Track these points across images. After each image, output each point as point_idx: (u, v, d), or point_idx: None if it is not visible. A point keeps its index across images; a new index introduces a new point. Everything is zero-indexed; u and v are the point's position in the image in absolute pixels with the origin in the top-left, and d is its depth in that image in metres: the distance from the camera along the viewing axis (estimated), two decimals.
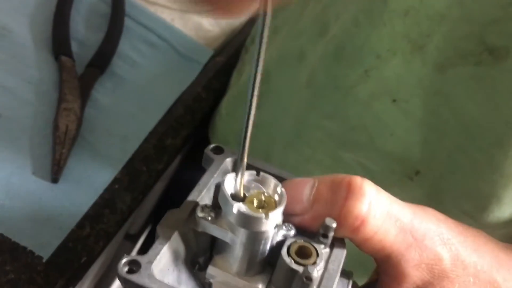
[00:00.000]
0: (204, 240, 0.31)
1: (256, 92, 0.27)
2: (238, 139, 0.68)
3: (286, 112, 0.52)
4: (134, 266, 0.28)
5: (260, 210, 0.28)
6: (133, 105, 0.56)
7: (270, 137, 0.55)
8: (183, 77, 0.62)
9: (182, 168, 0.71)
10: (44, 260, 0.43)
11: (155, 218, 0.77)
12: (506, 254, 0.33)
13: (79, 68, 0.55)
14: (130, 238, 0.75)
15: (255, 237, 0.29)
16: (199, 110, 0.62)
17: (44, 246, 0.44)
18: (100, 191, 0.49)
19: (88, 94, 0.54)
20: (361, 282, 0.35)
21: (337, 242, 0.30)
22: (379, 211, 0.29)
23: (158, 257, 0.28)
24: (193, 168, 0.75)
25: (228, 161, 0.34)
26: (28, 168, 0.47)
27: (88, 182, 0.49)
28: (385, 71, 0.42)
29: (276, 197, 0.29)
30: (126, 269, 0.28)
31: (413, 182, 0.45)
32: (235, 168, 0.29)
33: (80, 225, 0.46)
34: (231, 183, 0.29)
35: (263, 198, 0.29)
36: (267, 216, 0.28)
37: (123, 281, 0.27)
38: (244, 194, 0.29)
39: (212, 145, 0.35)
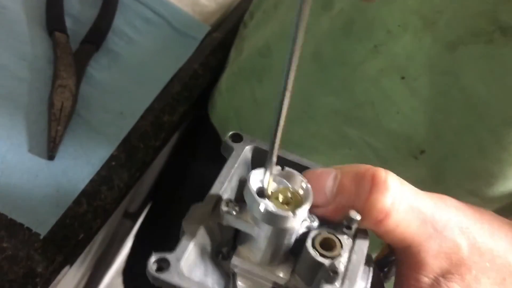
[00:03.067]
0: (228, 232, 0.31)
1: (290, 86, 0.27)
2: (238, 116, 0.67)
3: None
4: (163, 264, 0.28)
5: (286, 206, 0.29)
6: (129, 81, 0.56)
7: (272, 112, 0.55)
8: (179, 54, 0.61)
9: (181, 146, 0.70)
10: (41, 237, 0.43)
11: (154, 196, 0.77)
12: None
13: (73, 45, 0.54)
14: (130, 217, 0.75)
15: (280, 233, 0.29)
16: (196, 86, 0.61)
17: (41, 223, 0.43)
18: (97, 168, 0.48)
19: (83, 71, 0.53)
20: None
21: (360, 232, 0.30)
22: (403, 205, 0.29)
23: (186, 254, 0.28)
24: (192, 146, 0.75)
25: (248, 150, 0.34)
26: (24, 146, 0.47)
27: (84, 159, 0.48)
28: (395, 47, 0.42)
29: (301, 192, 0.29)
30: (155, 267, 0.28)
31: (417, 161, 0.45)
32: (265, 165, 0.29)
33: (77, 202, 0.46)
34: (256, 180, 0.29)
35: (289, 194, 0.29)
36: (294, 214, 0.28)
37: (153, 279, 0.27)
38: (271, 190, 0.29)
39: (231, 133, 0.34)
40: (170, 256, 0.28)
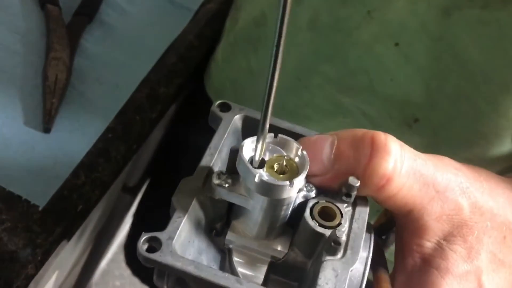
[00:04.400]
0: (221, 207, 0.29)
1: (281, 50, 0.26)
2: (234, 86, 0.66)
3: (285, 54, 0.51)
4: (154, 244, 0.26)
5: (281, 175, 0.27)
6: (123, 53, 0.55)
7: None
8: (173, 25, 0.60)
9: (178, 118, 0.70)
10: (40, 209, 0.43)
11: (153, 170, 0.77)
12: None
13: (66, 17, 0.54)
14: (129, 191, 0.75)
15: (277, 204, 0.28)
16: (191, 58, 0.60)
17: (40, 195, 0.44)
18: (93, 140, 0.48)
19: (76, 43, 0.53)
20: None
21: (360, 199, 0.29)
22: (404, 168, 0.28)
23: (178, 231, 0.27)
24: (190, 118, 0.75)
25: (237, 119, 0.32)
26: (19, 119, 0.47)
27: (80, 131, 0.48)
28: (389, 13, 0.41)
29: (297, 160, 0.28)
30: (146, 247, 0.26)
31: (411, 130, 0.44)
32: (257, 134, 0.27)
33: (75, 174, 0.46)
34: (249, 149, 0.27)
35: (284, 163, 0.28)
36: (291, 183, 0.26)
37: (144, 260, 0.26)
38: (263, 159, 0.28)
39: (218, 102, 0.33)
40: (161, 235, 0.26)
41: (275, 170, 0.27)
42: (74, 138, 0.48)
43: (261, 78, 0.55)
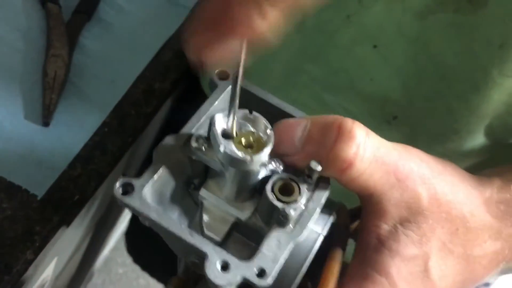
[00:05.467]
0: (198, 166, 0.32)
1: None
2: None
3: (275, 55, 0.53)
4: (128, 188, 0.29)
5: (249, 149, 0.30)
6: (121, 50, 0.58)
7: (260, 79, 0.57)
8: (170, 22, 0.62)
9: (175, 112, 0.73)
10: (38, 198, 0.46)
11: (151, 161, 0.79)
12: (477, 190, 0.35)
13: (66, 15, 0.56)
14: None
15: (242, 174, 0.30)
16: None
17: (38, 185, 0.46)
18: (90, 134, 0.51)
19: (75, 40, 0.55)
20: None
21: (322, 181, 0.32)
22: (367, 155, 0.31)
23: (151, 181, 0.29)
24: (186, 111, 0.77)
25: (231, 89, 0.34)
26: (20, 113, 0.49)
27: (78, 125, 0.51)
28: (366, 17, 0.43)
29: (265, 137, 0.30)
30: (120, 190, 0.29)
31: (391, 126, 0.47)
32: (228, 107, 0.29)
33: (72, 165, 0.49)
34: (222, 120, 0.30)
35: (251, 139, 0.30)
36: (251, 159, 0.29)
37: (117, 200, 0.29)
38: (236, 133, 0.30)
39: (218, 69, 0.35)
40: (135, 181, 0.29)
41: (243, 143, 0.30)
42: (72, 132, 0.50)
43: (255, 74, 0.57)
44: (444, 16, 0.40)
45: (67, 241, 0.59)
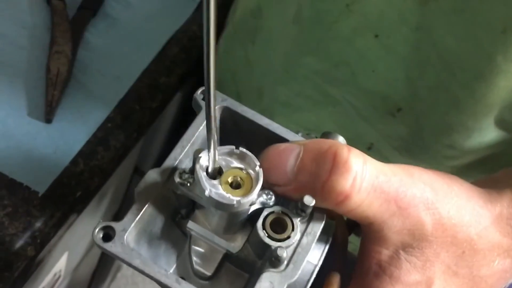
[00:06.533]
0: (184, 199, 0.30)
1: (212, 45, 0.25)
2: (234, 78, 0.68)
3: (276, 48, 0.52)
4: (110, 231, 0.27)
5: (236, 190, 0.28)
6: (126, 45, 0.57)
7: (262, 73, 0.56)
8: (177, 16, 0.62)
9: (185, 107, 0.72)
10: (40, 195, 0.46)
11: (164, 155, 0.79)
12: (486, 209, 0.33)
13: (71, 11, 0.56)
14: (142, 174, 0.79)
15: (228, 214, 0.29)
16: (194, 48, 0.62)
17: (40, 182, 0.47)
18: (93, 130, 0.51)
19: (80, 36, 0.55)
20: None
21: (317, 212, 0.30)
22: (364, 185, 0.29)
23: (133, 224, 0.28)
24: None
25: (217, 110, 0.32)
26: (23, 110, 0.50)
27: (81, 121, 0.51)
28: (367, 6, 0.41)
29: (253, 175, 0.28)
30: (100, 235, 0.27)
31: (395, 119, 0.45)
32: (207, 147, 0.27)
33: (74, 162, 0.49)
34: (206, 158, 0.28)
35: (239, 178, 0.28)
36: (238, 202, 0.27)
37: (97, 246, 0.28)
38: (221, 169, 0.28)
39: (200, 89, 0.33)
40: (116, 225, 0.27)
41: (230, 183, 0.28)
42: (75, 128, 0.50)
43: (257, 69, 0.56)
44: (445, 1, 0.38)
45: (78, 236, 0.59)
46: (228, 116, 0.33)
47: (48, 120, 0.49)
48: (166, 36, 0.60)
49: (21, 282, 0.46)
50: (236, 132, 0.33)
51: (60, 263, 0.60)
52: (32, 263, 0.46)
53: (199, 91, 0.33)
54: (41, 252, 0.46)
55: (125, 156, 0.54)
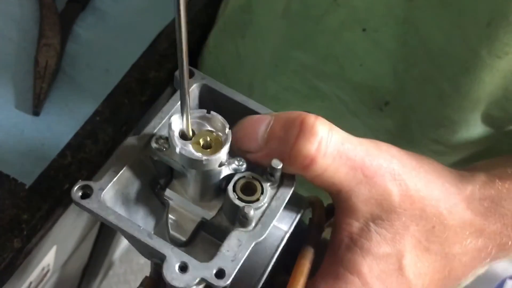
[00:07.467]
0: (162, 166, 0.32)
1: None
2: (225, 73, 0.68)
3: (266, 42, 0.52)
4: (88, 190, 0.29)
5: (207, 150, 0.29)
6: (115, 39, 0.57)
7: (252, 67, 0.56)
8: (167, 10, 0.62)
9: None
10: (26, 187, 0.46)
11: None
12: (457, 187, 0.34)
13: (60, 4, 0.56)
14: None
15: (202, 174, 0.30)
16: None
17: (27, 174, 0.46)
18: (81, 123, 0.51)
19: (69, 30, 0.55)
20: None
21: (287, 178, 0.31)
22: (329, 150, 0.30)
23: (110, 184, 0.29)
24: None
25: (196, 87, 0.34)
26: (11, 103, 0.50)
27: (69, 114, 0.51)
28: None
29: (223, 136, 0.30)
30: (79, 193, 0.29)
31: (383, 113, 0.45)
32: (180, 108, 0.29)
33: (62, 154, 0.49)
34: (179, 121, 0.29)
35: (209, 139, 0.30)
36: (207, 159, 0.29)
37: (75, 203, 0.29)
38: (193, 132, 0.30)
39: None
40: (94, 185, 0.29)
41: (201, 144, 0.30)
42: (63, 121, 0.50)
43: (247, 64, 0.56)
44: None
45: (66, 230, 0.59)
46: (207, 94, 0.35)
47: (36, 112, 0.49)
48: (155, 30, 0.60)
49: (8, 275, 0.46)
50: (214, 109, 0.35)
51: (49, 257, 0.60)
52: (19, 256, 0.46)
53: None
54: (28, 244, 0.46)
55: (114, 149, 0.54)
